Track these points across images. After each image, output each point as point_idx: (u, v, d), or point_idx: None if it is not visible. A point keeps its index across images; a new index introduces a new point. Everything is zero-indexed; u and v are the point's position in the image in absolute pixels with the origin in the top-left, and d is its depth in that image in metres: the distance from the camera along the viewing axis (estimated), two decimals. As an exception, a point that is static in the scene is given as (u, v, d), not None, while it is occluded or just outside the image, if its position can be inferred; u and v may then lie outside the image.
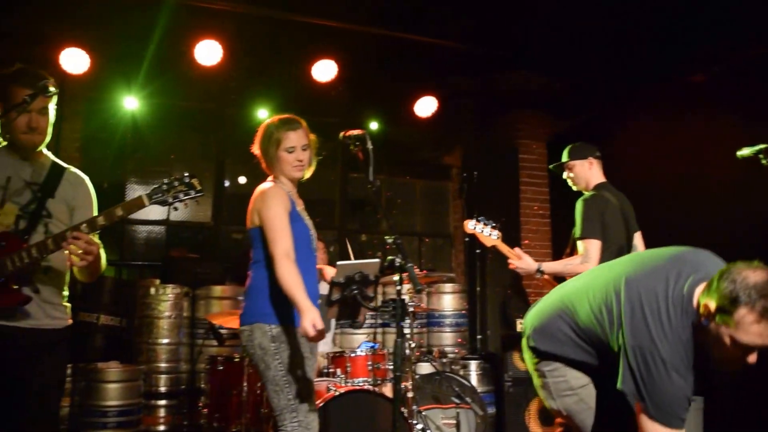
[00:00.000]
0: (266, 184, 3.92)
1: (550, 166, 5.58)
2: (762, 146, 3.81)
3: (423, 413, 6.12)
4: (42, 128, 3.51)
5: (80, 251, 3.22)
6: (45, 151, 3.65)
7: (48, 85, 3.41)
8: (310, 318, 3.45)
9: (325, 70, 7.65)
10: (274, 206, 3.75)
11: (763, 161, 3.76)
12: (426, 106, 8.32)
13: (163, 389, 7.06)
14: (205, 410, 5.85)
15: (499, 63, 8.04)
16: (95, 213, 3.62)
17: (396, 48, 7.54)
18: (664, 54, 6.91)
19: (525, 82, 8.30)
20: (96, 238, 3.39)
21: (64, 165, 3.68)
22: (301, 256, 3.76)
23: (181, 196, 3.40)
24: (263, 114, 7.90)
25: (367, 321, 7.68)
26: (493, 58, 7.89)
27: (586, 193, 5.18)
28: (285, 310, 3.69)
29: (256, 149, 4.00)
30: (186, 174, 3.44)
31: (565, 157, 5.32)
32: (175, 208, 3.49)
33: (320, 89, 7.81)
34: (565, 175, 5.35)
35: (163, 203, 3.40)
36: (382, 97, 8.36)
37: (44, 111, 3.50)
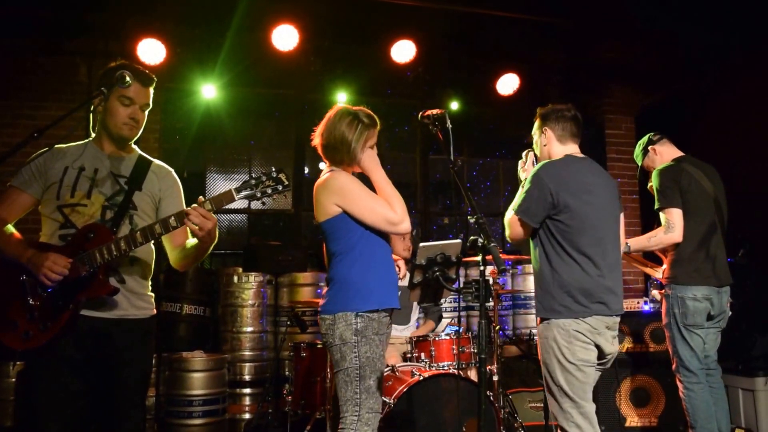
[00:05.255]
0: (331, 173, 3.73)
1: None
2: None
3: (510, 396, 6.02)
4: (141, 123, 3.61)
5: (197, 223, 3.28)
6: (132, 144, 3.70)
7: (151, 75, 3.61)
8: None
9: (403, 51, 7.50)
10: (360, 190, 3.64)
11: None
12: (508, 84, 8.08)
13: (247, 377, 7.11)
14: (290, 398, 5.81)
15: (584, 36, 7.78)
16: (182, 203, 3.69)
17: (475, 25, 7.37)
18: (754, 24, 6.65)
19: (612, 56, 8.04)
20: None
21: (150, 158, 3.73)
22: (382, 245, 3.72)
23: (269, 191, 3.39)
24: (342, 98, 7.82)
25: (450, 304, 7.57)
26: (578, 31, 7.63)
27: (661, 165, 5.16)
28: (370, 305, 3.59)
29: (331, 137, 3.74)
30: (273, 169, 3.42)
31: (639, 161, 5.52)
32: (263, 203, 3.48)
33: (399, 70, 7.69)
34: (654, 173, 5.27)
35: (250, 198, 3.41)
36: (462, 76, 8.23)
37: (145, 107, 3.60)
